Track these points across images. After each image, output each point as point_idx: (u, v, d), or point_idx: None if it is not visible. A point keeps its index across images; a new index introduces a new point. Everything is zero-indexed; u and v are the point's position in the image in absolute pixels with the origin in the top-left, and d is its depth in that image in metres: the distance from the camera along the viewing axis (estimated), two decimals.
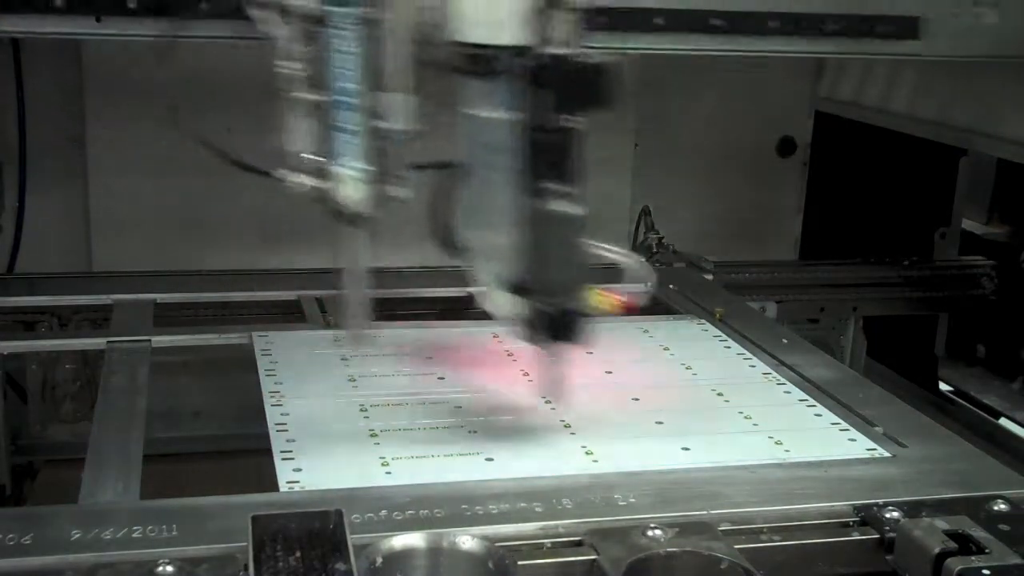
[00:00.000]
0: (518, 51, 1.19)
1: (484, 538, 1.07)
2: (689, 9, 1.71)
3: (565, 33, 1.26)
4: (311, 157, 1.24)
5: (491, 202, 1.24)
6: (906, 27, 1.79)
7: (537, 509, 1.15)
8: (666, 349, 1.69)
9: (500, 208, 1.24)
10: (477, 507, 1.15)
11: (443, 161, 1.31)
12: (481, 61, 1.18)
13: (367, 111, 1.21)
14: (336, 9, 1.17)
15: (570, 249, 1.26)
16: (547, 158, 1.25)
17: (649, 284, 1.34)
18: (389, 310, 1.85)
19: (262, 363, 1.55)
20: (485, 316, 1.80)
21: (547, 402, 1.46)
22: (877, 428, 1.41)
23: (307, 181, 1.24)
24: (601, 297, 1.31)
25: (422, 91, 1.25)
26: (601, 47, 1.32)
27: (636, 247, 2.23)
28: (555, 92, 1.25)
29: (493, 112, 1.21)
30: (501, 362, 1.60)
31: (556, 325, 1.26)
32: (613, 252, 1.33)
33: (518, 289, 1.28)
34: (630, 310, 1.30)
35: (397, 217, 1.32)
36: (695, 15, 1.71)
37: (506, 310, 1.28)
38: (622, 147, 2.48)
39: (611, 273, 1.37)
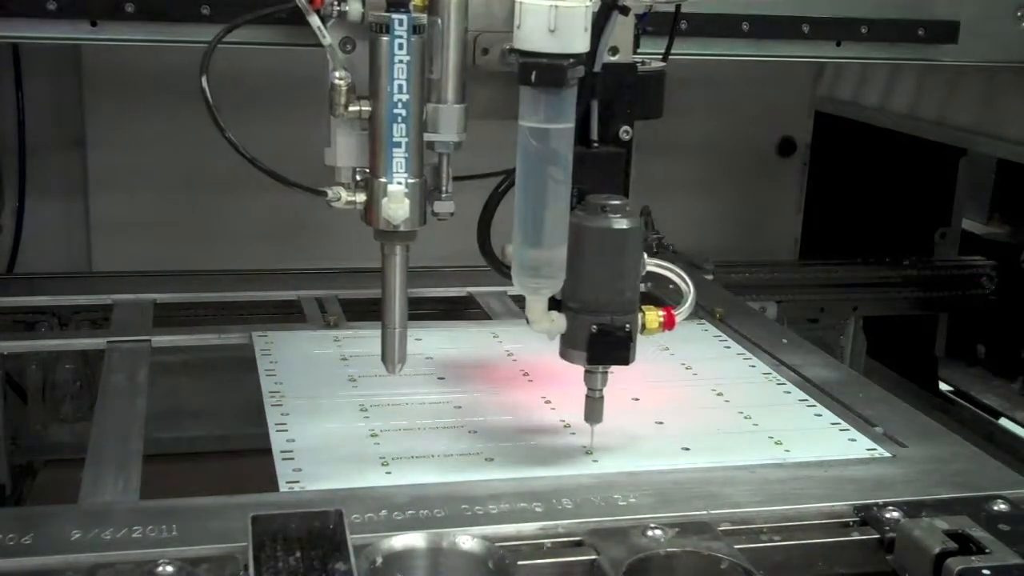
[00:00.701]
0: (583, 60, 1.16)
1: (484, 538, 1.07)
2: (720, 14, 1.68)
3: (623, 42, 1.24)
4: (354, 169, 1.21)
5: (546, 217, 1.19)
6: (945, 32, 1.75)
7: (537, 509, 1.15)
8: (666, 349, 1.69)
9: (554, 223, 1.20)
10: (477, 507, 1.15)
11: (497, 172, 1.27)
12: (549, 71, 1.14)
13: (417, 122, 1.18)
14: (395, 16, 1.14)
15: (623, 265, 1.23)
16: (603, 170, 1.24)
17: (688, 303, 1.30)
18: None
19: (262, 363, 1.55)
20: (485, 316, 1.81)
21: (547, 402, 1.46)
22: (877, 428, 1.41)
23: (351, 196, 1.21)
24: (652, 315, 1.27)
25: (469, 102, 1.22)
26: (647, 54, 1.30)
27: None
28: (612, 101, 1.25)
29: (551, 123, 1.16)
30: (501, 362, 1.60)
31: (605, 344, 1.23)
32: (662, 268, 1.30)
33: (566, 306, 1.24)
34: (670, 327, 1.28)
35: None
36: (726, 20, 1.68)
37: (552, 327, 1.24)
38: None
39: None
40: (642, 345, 1.69)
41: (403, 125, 1.17)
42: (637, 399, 1.49)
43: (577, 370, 1.51)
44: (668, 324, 1.27)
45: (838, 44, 1.74)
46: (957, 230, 2.42)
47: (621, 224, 1.21)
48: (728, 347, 1.71)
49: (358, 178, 1.22)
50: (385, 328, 1.27)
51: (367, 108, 1.18)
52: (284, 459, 1.26)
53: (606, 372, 1.28)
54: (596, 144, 1.25)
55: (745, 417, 1.45)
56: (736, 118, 2.59)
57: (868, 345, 2.35)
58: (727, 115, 2.58)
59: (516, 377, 1.55)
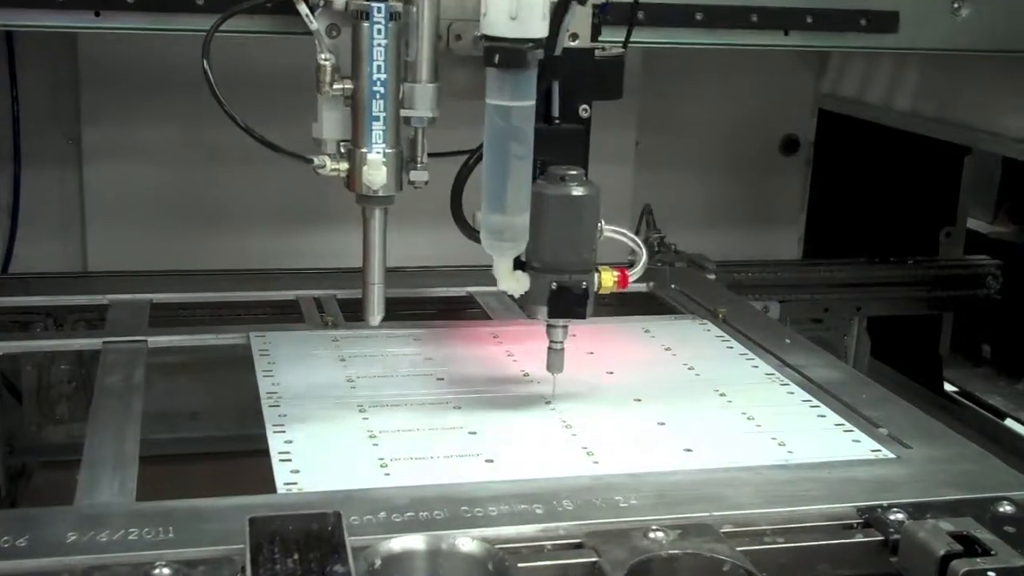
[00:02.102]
0: (542, 45, 1.30)
1: (484, 540, 1.07)
2: (672, 4, 1.76)
3: (582, 29, 1.39)
4: (339, 142, 1.36)
5: (508, 185, 1.33)
6: (886, 21, 1.86)
7: (537, 511, 1.15)
8: (668, 349, 1.69)
9: (516, 191, 1.34)
10: (477, 509, 1.15)
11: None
12: (511, 54, 1.28)
13: (394, 99, 1.32)
14: (374, 4, 1.28)
15: (580, 229, 1.36)
16: (564, 144, 1.38)
17: (640, 264, 1.44)
18: (390, 309, 1.85)
19: (259, 363, 1.55)
20: (485, 316, 1.81)
21: (547, 403, 1.46)
22: (881, 429, 1.41)
23: (335, 165, 1.35)
24: (607, 275, 1.40)
25: (442, 82, 1.35)
26: (610, 41, 1.43)
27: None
28: (572, 82, 1.38)
29: (514, 101, 1.31)
30: (502, 363, 1.60)
31: (564, 299, 1.37)
32: (618, 233, 1.43)
33: (530, 266, 1.39)
34: (623, 286, 1.41)
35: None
36: (677, 9, 1.77)
37: (517, 285, 1.39)
38: (623, 145, 2.48)
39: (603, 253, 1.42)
40: (644, 345, 1.72)
41: (381, 101, 1.32)
42: (639, 400, 1.49)
43: (578, 371, 1.52)
44: (622, 283, 1.41)
45: (786, 33, 1.83)
46: (962, 229, 2.42)
47: (578, 192, 1.36)
48: (731, 347, 1.72)
49: (342, 149, 1.36)
50: (366, 284, 1.40)
51: (349, 86, 1.33)
52: (282, 460, 1.26)
53: (566, 326, 1.43)
54: (558, 121, 1.40)
55: (748, 418, 1.45)
56: (739, 116, 2.59)
57: (872, 345, 2.35)
58: (730, 113, 2.58)
59: (516, 377, 1.55)
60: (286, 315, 1.83)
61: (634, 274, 1.43)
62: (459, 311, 1.90)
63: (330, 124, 1.36)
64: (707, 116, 2.57)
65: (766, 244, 2.64)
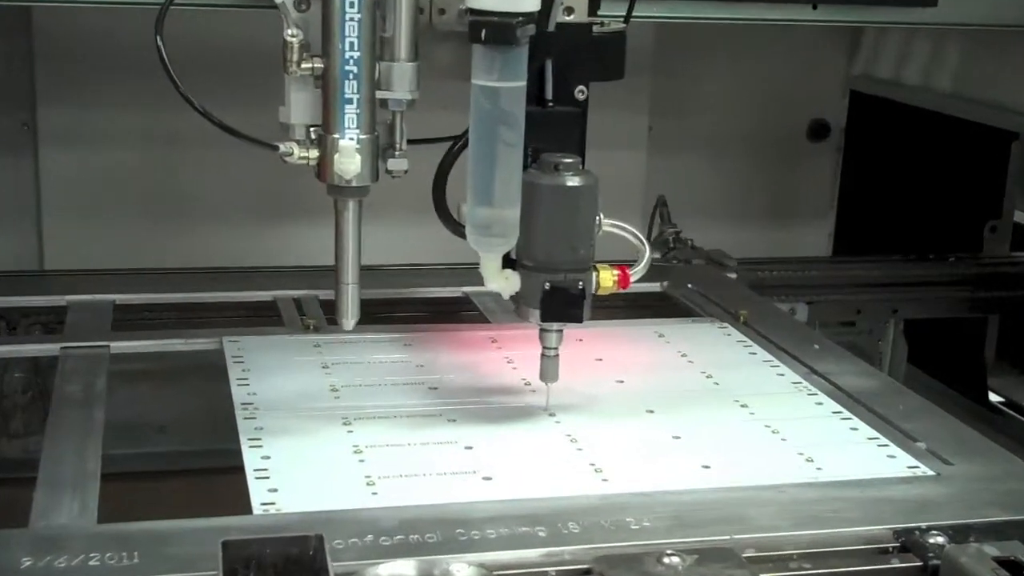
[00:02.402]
0: (534, 19, 1.29)
1: (481, 566, 1.07)
2: None
3: (578, 2, 1.37)
4: (308, 127, 1.34)
5: (496, 175, 1.33)
6: None
7: (540, 534, 1.15)
8: (684, 356, 1.69)
9: (505, 181, 1.33)
10: (473, 531, 1.15)
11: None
12: (499, 29, 1.26)
13: (369, 80, 1.31)
14: None
15: (576, 223, 1.35)
16: (558, 130, 1.37)
17: (643, 262, 1.43)
18: (375, 312, 1.86)
19: (234, 371, 1.55)
20: (482, 319, 1.81)
21: (551, 415, 1.46)
22: (920, 443, 1.41)
23: (304, 152, 1.33)
24: (606, 274, 1.39)
25: (423, 61, 1.34)
26: (610, 16, 1.42)
27: (652, 240, 2.23)
28: (567, 61, 1.37)
29: (503, 82, 1.30)
30: (501, 371, 1.60)
31: (558, 301, 1.36)
32: (618, 228, 1.41)
33: (521, 264, 1.38)
34: (624, 286, 1.41)
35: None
36: None
37: (506, 285, 1.38)
38: (634, 130, 2.48)
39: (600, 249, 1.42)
40: (658, 351, 1.72)
41: (355, 82, 1.30)
42: (651, 411, 1.49)
43: (585, 379, 1.51)
44: (623, 283, 1.40)
45: (814, 7, 1.81)
46: (1009, 223, 2.42)
47: (574, 182, 1.34)
48: (753, 354, 1.72)
49: (312, 135, 1.34)
50: (339, 284, 1.40)
51: (319, 65, 1.31)
52: (258, 478, 1.26)
53: (561, 331, 1.42)
54: (551, 104, 1.39)
55: (772, 431, 1.45)
56: (762, 99, 2.59)
57: (909, 351, 2.35)
58: (752, 95, 2.58)
59: (517, 386, 1.55)
60: (262, 317, 1.83)
61: (636, 273, 1.42)
62: (453, 313, 1.90)
63: (298, 107, 1.34)
64: (727, 99, 2.57)
65: (792, 239, 2.64)
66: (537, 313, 1.38)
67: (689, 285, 1.99)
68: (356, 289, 1.40)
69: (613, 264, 1.41)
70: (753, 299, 1.97)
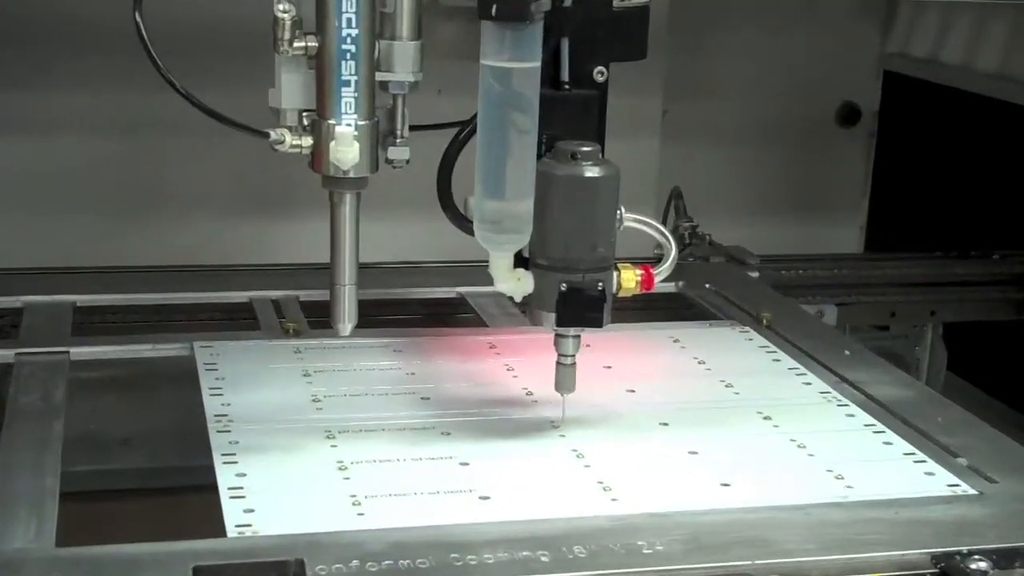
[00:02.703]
0: None
1: None
2: None
3: None
4: (301, 112, 1.33)
5: (507, 164, 1.32)
6: None
7: (543, 559, 1.15)
8: (701, 363, 1.70)
9: (517, 171, 1.32)
10: (470, 556, 1.15)
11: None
12: (511, 4, 1.25)
13: (368, 60, 1.29)
14: None
15: (595, 218, 1.34)
16: (575, 115, 1.36)
17: (670, 261, 1.43)
18: (362, 314, 1.86)
19: (206, 380, 1.56)
20: (480, 323, 1.82)
21: (555, 428, 1.46)
22: (960, 459, 1.42)
23: (296, 140, 1.32)
24: (629, 273, 1.38)
25: (427, 39, 1.33)
26: None
27: None
28: (585, 39, 1.37)
29: (514, 62, 1.29)
30: (500, 379, 1.61)
31: (576, 304, 1.35)
32: (642, 223, 1.41)
33: (534, 263, 1.37)
34: (648, 287, 1.41)
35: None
36: None
37: (518, 286, 1.37)
38: (647, 115, 2.48)
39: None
40: (673, 357, 1.72)
41: (352, 62, 1.28)
42: (666, 424, 1.49)
43: (594, 386, 1.51)
44: (646, 284, 1.40)
45: None
46: None
47: (592, 172, 1.33)
48: (777, 360, 1.72)
49: (305, 121, 1.32)
50: (334, 285, 1.38)
51: (314, 44, 1.29)
52: (232, 497, 1.26)
53: (578, 336, 1.40)
54: (567, 87, 1.37)
55: (798, 446, 1.45)
56: (787, 80, 2.59)
57: (949, 358, 2.35)
58: (776, 76, 2.58)
59: (518, 397, 1.55)
60: (238, 321, 1.83)
61: (661, 272, 1.42)
62: (448, 316, 1.90)
63: (290, 90, 1.32)
64: (749, 80, 2.57)
65: (820, 234, 2.65)
66: (552, 317, 1.37)
67: (707, 285, 1.99)
68: (354, 291, 1.38)
69: (635, 263, 1.40)
70: (777, 300, 1.97)
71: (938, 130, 2.59)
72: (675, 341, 1.78)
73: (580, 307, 1.36)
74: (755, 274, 2.11)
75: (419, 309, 1.93)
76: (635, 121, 2.44)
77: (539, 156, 1.35)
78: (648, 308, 1.93)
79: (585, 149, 1.34)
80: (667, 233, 1.44)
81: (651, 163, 2.48)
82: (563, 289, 1.35)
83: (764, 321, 1.84)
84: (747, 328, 1.83)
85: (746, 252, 2.16)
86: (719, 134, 2.58)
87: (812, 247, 2.52)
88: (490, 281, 1.41)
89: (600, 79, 1.39)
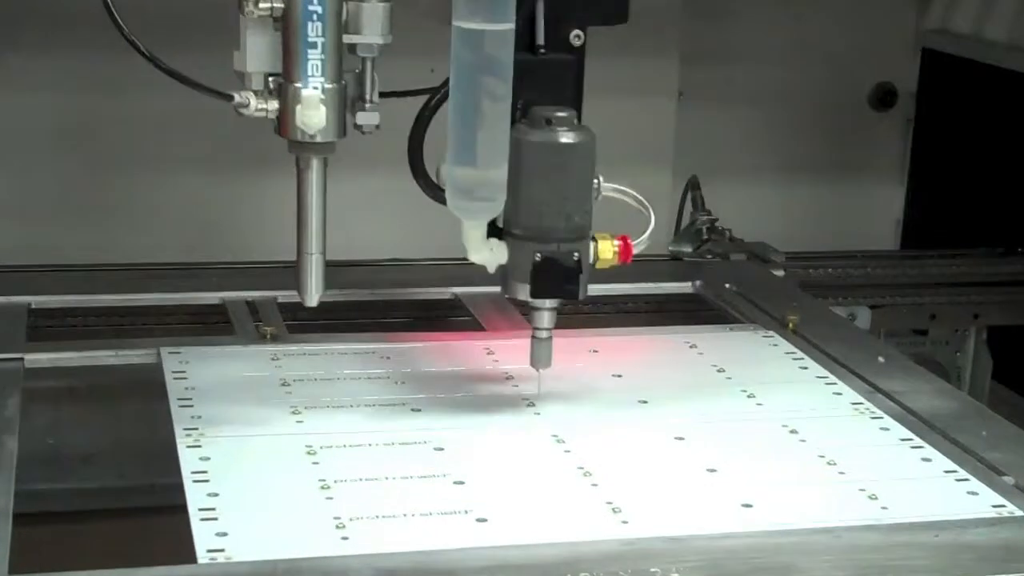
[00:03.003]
0: None
1: None
2: None
3: None
4: (267, 76, 1.40)
5: (479, 131, 1.37)
6: None
7: None
8: (721, 371, 1.70)
9: (490, 138, 1.38)
10: None
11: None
12: None
13: (335, 22, 1.36)
14: None
15: (570, 185, 1.41)
16: (550, 80, 1.42)
17: (648, 231, 1.50)
18: (349, 317, 1.86)
19: (174, 389, 1.56)
20: (476, 326, 1.82)
21: (559, 443, 1.46)
22: (1007, 478, 1.42)
23: (262, 103, 1.39)
24: (606, 244, 1.46)
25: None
26: None
27: (683, 230, 2.24)
28: (562, 1, 1.42)
29: (488, 24, 1.33)
30: (497, 388, 1.61)
31: (550, 274, 1.42)
32: (619, 192, 1.49)
33: (508, 233, 1.43)
34: (626, 258, 1.49)
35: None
36: None
37: (491, 257, 1.44)
38: (662, 96, 2.48)
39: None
40: (689, 365, 1.72)
41: (319, 24, 1.35)
42: (681, 438, 1.49)
43: (602, 397, 1.51)
44: (624, 255, 1.48)
45: None
46: None
47: (567, 138, 1.40)
48: (805, 368, 1.72)
49: (271, 85, 1.40)
50: (301, 254, 1.45)
51: (279, 5, 1.36)
52: (204, 519, 1.26)
53: (554, 309, 1.48)
54: (543, 51, 1.43)
55: (827, 463, 1.45)
56: (817, 58, 2.59)
57: (995, 365, 2.35)
58: (803, 54, 2.58)
59: (518, 408, 1.55)
60: (209, 324, 1.84)
61: (640, 243, 1.49)
62: (441, 319, 1.90)
63: (255, 53, 1.39)
64: (773, 59, 2.57)
65: (852, 229, 2.65)
66: (527, 288, 1.44)
67: (727, 285, 2.00)
68: (321, 260, 1.45)
69: (614, 236, 1.47)
70: (804, 302, 1.97)
71: (982, 113, 2.58)
72: (692, 347, 1.78)
73: (555, 278, 1.43)
74: (780, 273, 2.11)
75: (410, 311, 1.93)
76: (649, 104, 2.44)
77: (514, 122, 1.40)
78: (662, 311, 1.93)
79: (560, 114, 1.40)
80: (645, 202, 1.50)
81: (664, 149, 2.48)
82: (537, 259, 1.42)
83: (790, 325, 1.84)
84: (771, 332, 1.83)
85: (770, 248, 2.16)
86: (740, 119, 2.58)
87: (843, 243, 2.52)
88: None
89: (577, 43, 1.44)
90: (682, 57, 2.47)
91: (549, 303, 1.47)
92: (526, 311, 1.53)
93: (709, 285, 2.00)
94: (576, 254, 1.42)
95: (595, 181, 1.43)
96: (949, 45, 2.59)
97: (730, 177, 2.44)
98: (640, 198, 1.49)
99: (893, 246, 2.70)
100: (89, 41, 1.39)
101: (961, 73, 2.56)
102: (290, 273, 1.86)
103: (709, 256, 2.16)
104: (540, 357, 1.51)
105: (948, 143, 2.64)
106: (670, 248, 2.18)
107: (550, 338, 1.49)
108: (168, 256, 2.12)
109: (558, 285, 1.43)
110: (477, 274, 1.47)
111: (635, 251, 1.48)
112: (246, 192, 2.26)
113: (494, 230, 1.44)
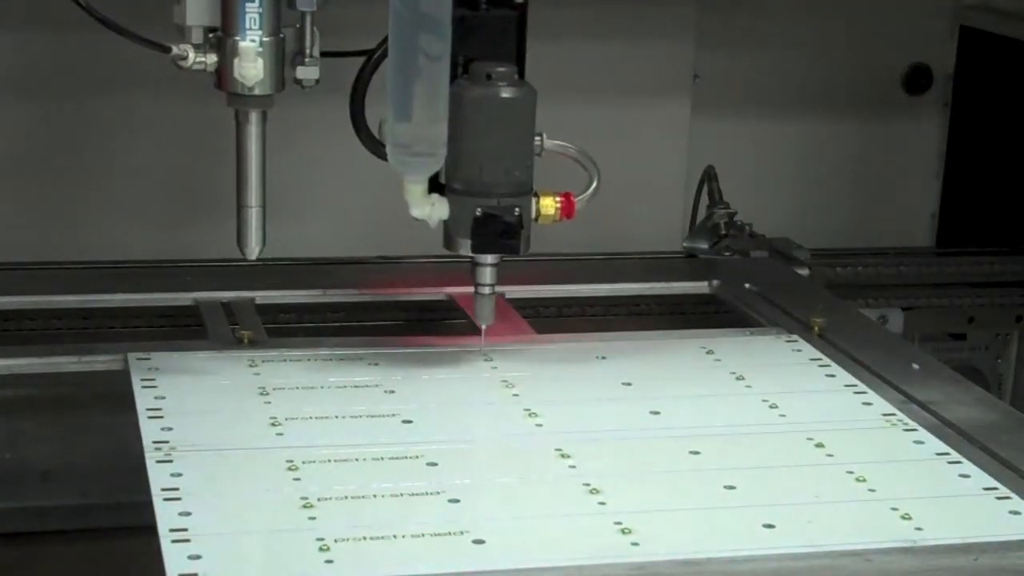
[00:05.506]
0: None
1: None
2: None
3: None
4: (207, 30, 1.54)
5: (417, 86, 1.49)
6: None
7: None
8: (740, 379, 1.70)
9: (429, 93, 1.50)
10: None
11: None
12: None
13: None
14: None
15: (510, 140, 1.55)
16: (492, 36, 1.54)
17: (592, 187, 1.63)
18: (333, 320, 1.86)
19: (143, 399, 1.56)
20: (471, 330, 1.82)
21: (564, 457, 1.47)
22: None
23: (201, 57, 1.53)
24: (548, 200, 1.59)
25: None
26: None
27: (699, 225, 2.23)
28: None
29: None
30: (495, 398, 1.61)
31: (491, 229, 1.55)
32: (561, 147, 1.62)
33: (449, 188, 1.57)
34: (568, 214, 1.62)
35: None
36: None
37: (433, 212, 1.56)
38: (676, 79, 2.48)
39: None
40: (705, 372, 1.72)
41: None
42: (696, 452, 1.49)
43: (610, 408, 1.52)
44: (566, 211, 1.61)
45: None
46: None
47: (507, 93, 1.54)
48: (832, 376, 1.72)
49: (211, 38, 1.54)
50: (241, 208, 1.61)
51: None
52: (175, 541, 1.26)
53: (496, 264, 1.62)
54: (484, 7, 1.56)
55: (856, 479, 1.45)
56: (843, 37, 2.59)
57: None
58: (830, 33, 2.58)
59: (518, 419, 1.55)
60: (181, 328, 1.84)
61: (583, 199, 1.62)
62: (435, 322, 1.91)
63: (195, 7, 1.52)
64: (796, 38, 2.57)
65: (883, 224, 2.65)
66: (468, 243, 1.58)
67: (746, 285, 2.00)
68: (261, 213, 1.60)
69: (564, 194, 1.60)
70: (831, 303, 1.98)
71: None
72: (708, 353, 1.78)
73: (496, 233, 1.56)
74: (804, 271, 2.11)
75: (400, 314, 1.93)
76: (662, 88, 2.44)
77: (454, 78, 1.53)
78: (675, 313, 1.94)
79: (500, 70, 1.53)
80: (590, 157, 1.64)
81: (679, 138, 2.47)
82: (478, 214, 1.55)
83: (815, 328, 1.84)
84: (795, 337, 1.83)
85: (793, 245, 2.16)
86: (761, 102, 2.58)
87: (873, 239, 2.52)
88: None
89: None
90: (698, 38, 2.47)
91: (491, 258, 1.61)
92: (476, 274, 1.64)
93: (727, 285, 2.00)
94: (517, 209, 1.55)
95: (538, 137, 1.57)
96: (989, 22, 2.59)
97: (750, 166, 2.44)
98: (586, 154, 1.63)
99: (928, 242, 2.70)
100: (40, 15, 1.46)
101: (1003, 53, 2.56)
102: (270, 272, 1.88)
103: (727, 253, 2.16)
104: (483, 313, 1.65)
105: (988, 130, 2.64)
106: (685, 244, 2.19)
107: (493, 294, 1.63)
108: (136, 254, 2.12)
109: (498, 240, 1.56)
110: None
111: (578, 207, 1.60)
112: (219, 186, 2.26)
113: (436, 186, 1.56)
